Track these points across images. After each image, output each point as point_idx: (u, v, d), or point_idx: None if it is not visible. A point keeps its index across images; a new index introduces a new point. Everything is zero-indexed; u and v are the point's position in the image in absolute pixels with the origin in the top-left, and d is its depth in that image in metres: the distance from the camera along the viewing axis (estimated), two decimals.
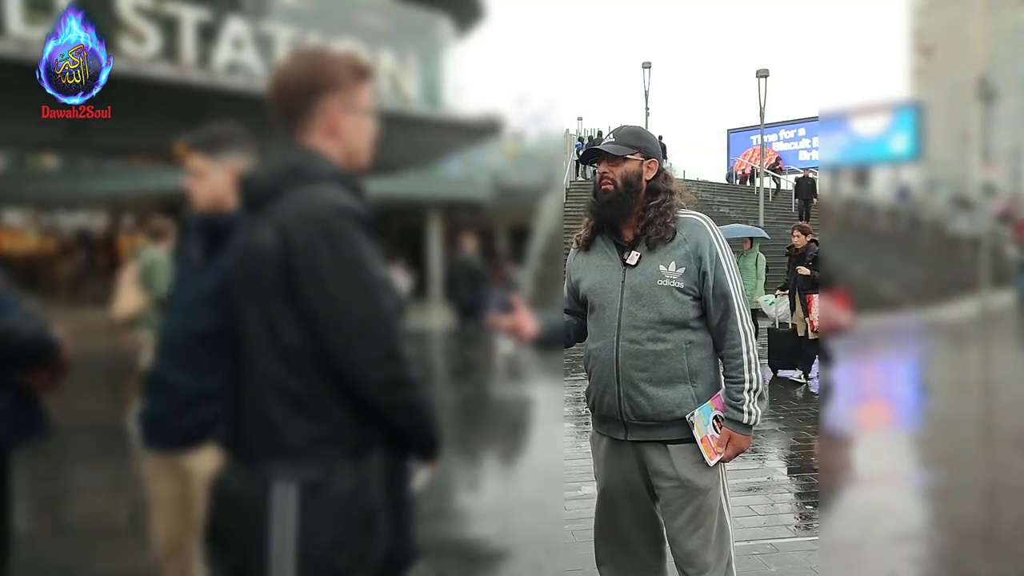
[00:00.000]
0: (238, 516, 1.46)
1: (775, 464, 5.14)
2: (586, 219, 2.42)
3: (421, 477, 1.63)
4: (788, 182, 25.49)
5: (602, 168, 2.31)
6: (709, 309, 2.25)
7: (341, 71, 1.58)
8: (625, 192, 2.27)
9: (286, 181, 1.50)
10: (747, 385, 2.23)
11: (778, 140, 31.14)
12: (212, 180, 2.35)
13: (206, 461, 2.28)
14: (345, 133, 1.58)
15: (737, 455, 2.31)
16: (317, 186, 1.48)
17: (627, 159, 2.29)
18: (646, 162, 2.31)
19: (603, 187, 2.30)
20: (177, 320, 2.34)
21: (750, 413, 2.24)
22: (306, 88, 1.56)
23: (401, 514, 1.55)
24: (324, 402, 1.45)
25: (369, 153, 1.64)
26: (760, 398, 2.28)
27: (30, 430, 2.42)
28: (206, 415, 2.26)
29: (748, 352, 2.24)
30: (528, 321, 2.20)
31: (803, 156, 30.06)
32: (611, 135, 2.37)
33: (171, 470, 2.41)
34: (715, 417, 2.26)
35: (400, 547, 1.54)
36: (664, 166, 2.38)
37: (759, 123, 22.49)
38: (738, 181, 29.59)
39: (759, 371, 2.26)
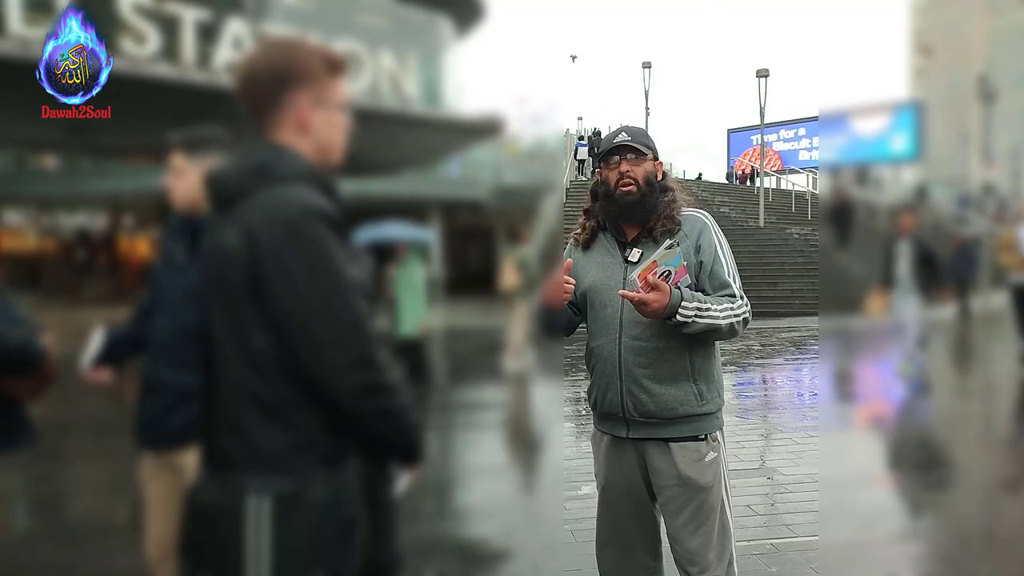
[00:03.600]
0: (212, 528, 1.42)
1: (775, 464, 5.14)
2: (583, 219, 2.42)
3: (403, 482, 1.58)
4: (789, 182, 25.47)
5: (624, 167, 2.29)
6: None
7: (311, 63, 1.51)
8: (648, 192, 2.29)
9: (253, 180, 1.44)
10: (715, 305, 2.16)
11: (778, 140, 31.14)
12: (190, 179, 2.36)
13: (193, 456, 2.35)
14: (316, 128, 1.51)
15: (641, 306, 2.10)
16: (285, 185, 1.42)
17: (646, 159, 2.31)
18: (656, 163, 2.35)
19: (624, 188, 2.28)
20: (166, 319, 2.36)
21: (690, 313, 2.13)
22: (274, 80, 1.49)
23: (382, 520, 1.51)
24: (296, 409, 1.40)
25: (342, 149, 1.57)
26: (705, 331, 2.17)
27: (11, 438, 2.42)
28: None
29: (736, 310, 2.20)
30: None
31: (803, 156, 30.06)
32: (622, 133, 2.35)
33: (167, 470, 2.43)
34: (666, 274, 2.12)
35: (383, 554, 1.51)
36: (666, 168, 2.42)
37: (759, 123, 22.49)
38: (738, 181, 29.60)
39: (727, 321, 2.17)
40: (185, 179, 2.38)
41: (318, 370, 1.38)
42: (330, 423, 1.41)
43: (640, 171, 2.29)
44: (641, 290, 2.08)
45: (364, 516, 1.46)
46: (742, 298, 2.26)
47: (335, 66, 1.54)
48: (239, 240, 1.39)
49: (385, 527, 1.52)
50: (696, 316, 2.13)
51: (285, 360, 1.39)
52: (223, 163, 2.38)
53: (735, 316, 2.21)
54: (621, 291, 2.14)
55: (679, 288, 2.14)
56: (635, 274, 2.09)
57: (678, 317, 2.11)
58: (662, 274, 2.11)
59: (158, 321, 2.39)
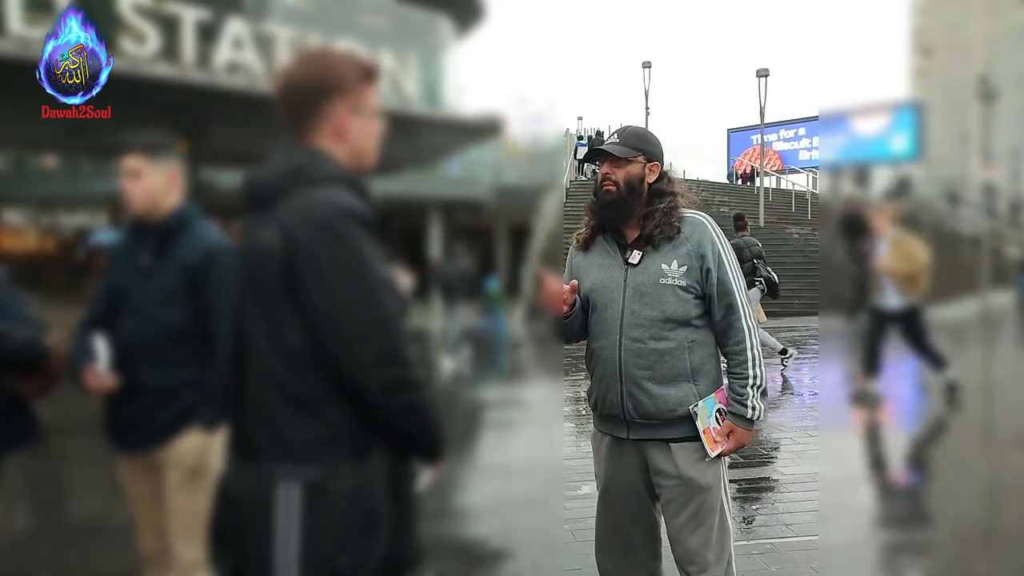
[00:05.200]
0: (242, 515, 1.47)
1: (775, 464, 5.14)
2: (587, 218, 2.42)
3: (425, 478, 1.63)
4: (789, 182, 25.47)
5: (605, 169, 2.31)
6: (713, 306, 2.26)
7: (348, 73, 1.58)
8: (627, 195, 2.28)
9: (290, 182, 1.50)
10: (751, 381, 2.25)
11: (778, 140, 31.11)
12: (150, 181, 2.40)
13: (181, 448, 2.35)
14: (352, 135, 1.58)
15: (738, 449, 2.31)
16: (321, 187, 1.48)
17: (630, 161, 2.29)
18: (648, 165, 2.31)
19: (605, 188, 2.30)
20: (140, 322, 2.35)
21: (754, 408, 2.26)
22: (313, 91, 1.55)
23: (404, 515, 1.55)
24: (326, 403, 1.45)
25: (376, 153, 1.64)
26: (763, 394, 2.30)
27: (20, 437, 2.42)
28: (182, 406, 2.33)
29: (752, 348, 2.26)
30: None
31: (803, 156, 30.05)
32: (615, 135, 2.36)
33: (147, 470, 2.44)
34: (718, 410, 2.27)
35: (403, 548, 1.54)
36: (666, 168, 2.39)
37: (759, 123, 22.49)
38: (740, 181, 29.58)
39: (763, 368, 2.28)
40: (144, 182, 2.40)
41: (348, 366, 1.43)
42: (358, 417, 1.46)
43: (621, 173, 2.28)
44: (720, 445, 2.25)
45: (387, 509, 1.49)
46: (745, 316, 2.26)
47: (369, 74, 1.61)
48: (276, 239, 1.44)
49: (406, 522, 1.56)
50: (756, 402, 2.26)
51: (316, 355, 1.44)
52: (182, 171, 2.45)
53: (757, 352, 2.28)
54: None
55: (731, 408, 2.27)
56: (710, 450, 2.25)
57: (756, 420, 2.27)
58: (716, 423, 2.26)
59: (128, 324, 2.36)
